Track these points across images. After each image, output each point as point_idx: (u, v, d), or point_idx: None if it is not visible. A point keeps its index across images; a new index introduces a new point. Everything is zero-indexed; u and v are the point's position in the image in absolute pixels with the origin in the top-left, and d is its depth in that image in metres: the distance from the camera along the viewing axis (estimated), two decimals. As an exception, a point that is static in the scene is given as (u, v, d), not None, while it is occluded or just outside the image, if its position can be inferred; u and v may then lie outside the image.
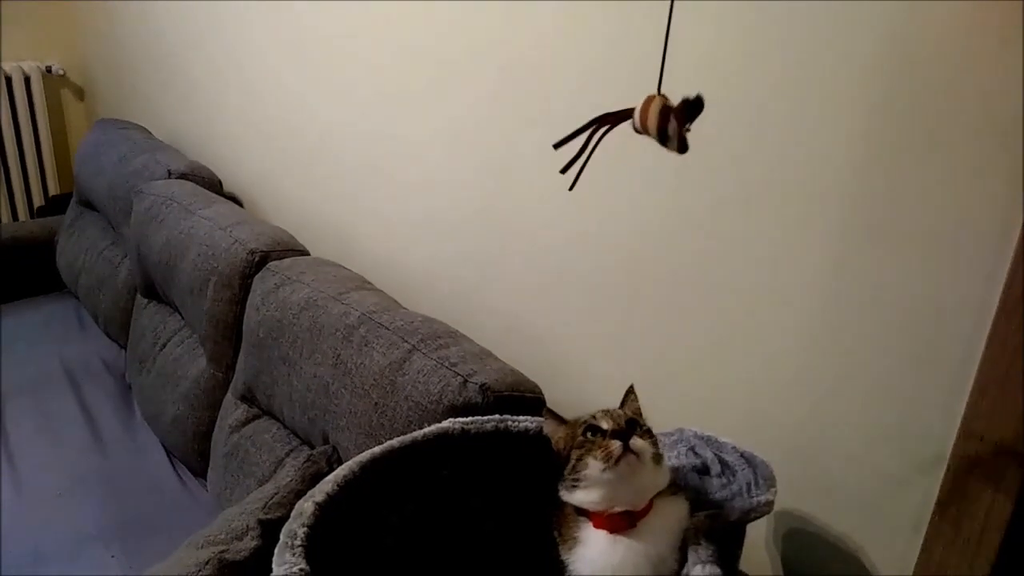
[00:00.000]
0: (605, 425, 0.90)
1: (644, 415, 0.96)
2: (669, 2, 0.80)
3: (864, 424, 0.99)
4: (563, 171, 0.83)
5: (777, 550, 1.12)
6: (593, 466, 0.87)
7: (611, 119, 0.83)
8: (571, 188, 0.84)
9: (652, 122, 0.78)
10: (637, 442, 0.87)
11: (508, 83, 1.39)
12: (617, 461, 0.86)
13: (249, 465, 1.56)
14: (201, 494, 1.78)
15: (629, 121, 0.81)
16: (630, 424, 0.90)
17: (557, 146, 0.83)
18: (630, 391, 0.99)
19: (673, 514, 0.89)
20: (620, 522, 0.87)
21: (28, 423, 1.98)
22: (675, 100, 0.76)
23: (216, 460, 1.68)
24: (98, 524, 1.66)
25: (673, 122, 0.77)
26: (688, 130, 0.77)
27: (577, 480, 0.89)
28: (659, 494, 0.90)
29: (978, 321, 0.86)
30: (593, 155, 0.83)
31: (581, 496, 0.89)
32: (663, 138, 0.78)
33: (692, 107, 0.77)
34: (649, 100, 0.79)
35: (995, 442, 0.85)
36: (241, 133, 2.36)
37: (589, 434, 0.90)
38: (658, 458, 0.90)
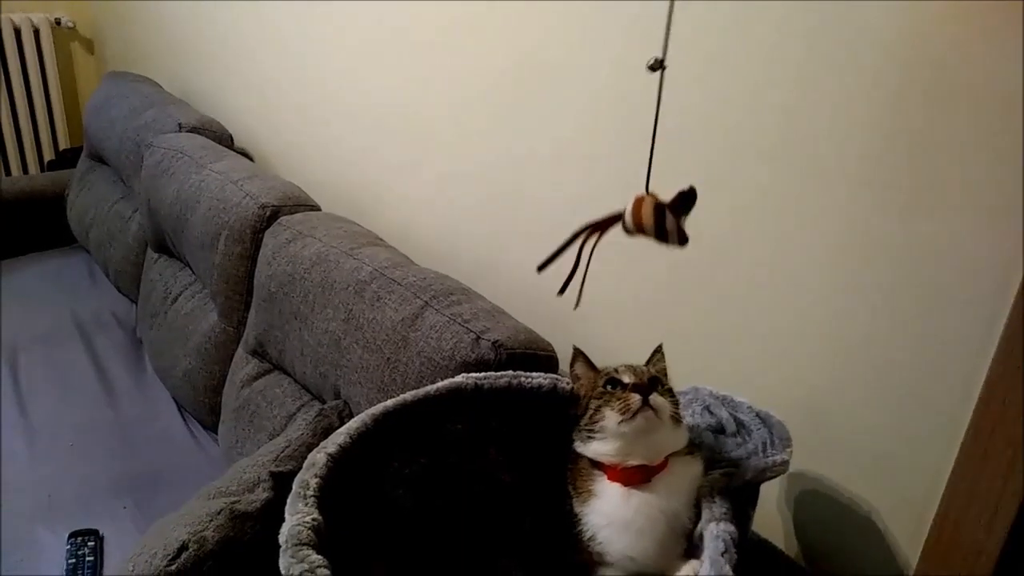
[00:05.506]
0: (626, 379, 0.89)
1: (668, 376, 0.95)
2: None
3: (882, 385, 0.97)
4: (560, 293, 0.85)
5: (790, 511, 1.12)
6: (610, 418, 0.87)
7: (598, 227, 0.83)
8: (575, 307, 0.85)
9: (648, 221, 0.80)
10: (656, 399, 0.87)
11: (523, 44, 1.36)
12: (634, 415, 0.85)
13: (260, 419, 1.56)
14: (212, 448, 1.79)
15: (617, 225, 0.82)
16: (652, 381, 0.89)
17: (541, 268, 0.83)
18: (658, 350, 0.98)
19: (688, 473, 0.89)
20: (635, 475, 0.87)
21: (40, 375, 1.98)
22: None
23: (227, 414, 1.68)
24: (110, 475, 1.67)
25: (670, 217, 0.79)
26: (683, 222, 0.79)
27: (593, 431, 0.89)
28: (676, 453, 0.89)
29: (1001, 285, 0.84)
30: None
31: (596, 447, 0.89)
32: (661, 234, 0.80)
33: (686, 199, 0.79)
34: (639, 201, 0.81)
35: (1016, 406, 0.84)
36: (253, 88, 2.33)
37: (609, 387, 0.90)
38: (677, 418, 0.90)
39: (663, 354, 0.97)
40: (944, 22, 0.84)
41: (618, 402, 0.87)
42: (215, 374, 1.79)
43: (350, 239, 1.54)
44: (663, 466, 0.88)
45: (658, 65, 0.80)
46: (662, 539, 0.86)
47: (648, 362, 0.97)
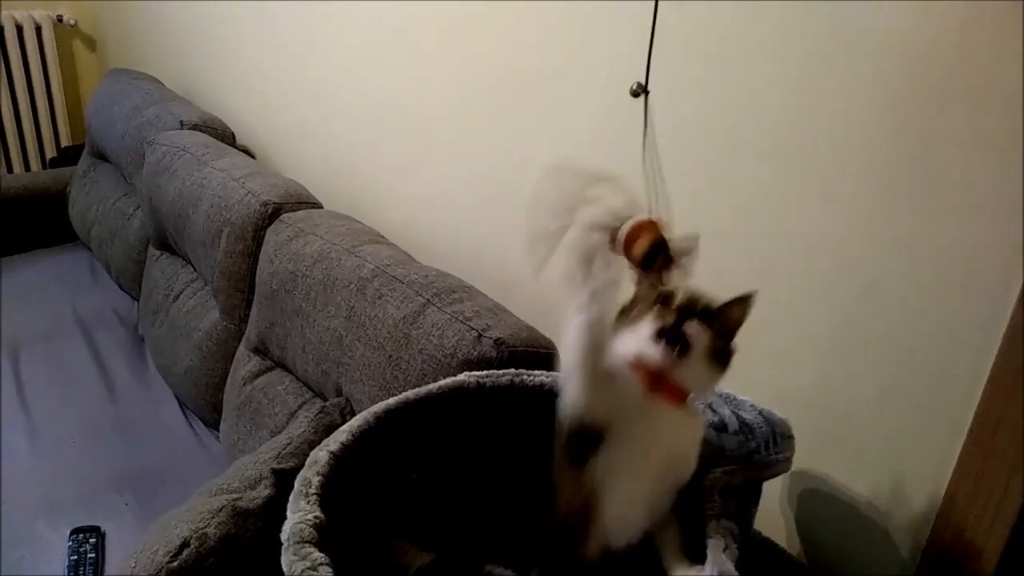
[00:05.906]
0: (675, 303, 0.83)
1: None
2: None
3: (884, 384, 0.98)
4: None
5: (792, 509, 1.12)
6: (644, 324, 0.82)
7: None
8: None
9: (639, 252, 0.76)
10: (693, 327, 0.81)
11: (523, 44, 1.36)
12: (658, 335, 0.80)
13: (262, 416, 1.56)
14: (213, 445, 1.79)
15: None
16: (705, 314, 0.82)
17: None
18: (741, 300, 0.84)
19: (693, 424, 0.86)
20: (655, 375, 0.81)
21: (42, 372, 1.99)
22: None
23: (229, 411, 1.69)
24: (111, 472, 1.67)
25: (661, 259, 0.77)
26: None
27: (624, 325, 0.84)
28: (692, 412, 0.86)
29: (1002, 285, 0.84)
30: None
31: (624, 342, 0.83)
32: (646, 267, 0.77)
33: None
34: (639, 228, 0.76)
35: (1018, 406, 0.84)
36: (255, 87, 2.33)
37: (661, 303, 0.83)
38: (717, 364, 0.83)
39: (745, 307, 0.84)
40: (944, 22, 0.84)
41: (658, 315, 0.81)
42: (217, 371, 1.80)
43: (352, 236, 1.54)
44: (675, 397, 0.83)
45: (641, 90, 0.76)
46: (642, 453, 0.83)
47: (726, 304, 0.85)
